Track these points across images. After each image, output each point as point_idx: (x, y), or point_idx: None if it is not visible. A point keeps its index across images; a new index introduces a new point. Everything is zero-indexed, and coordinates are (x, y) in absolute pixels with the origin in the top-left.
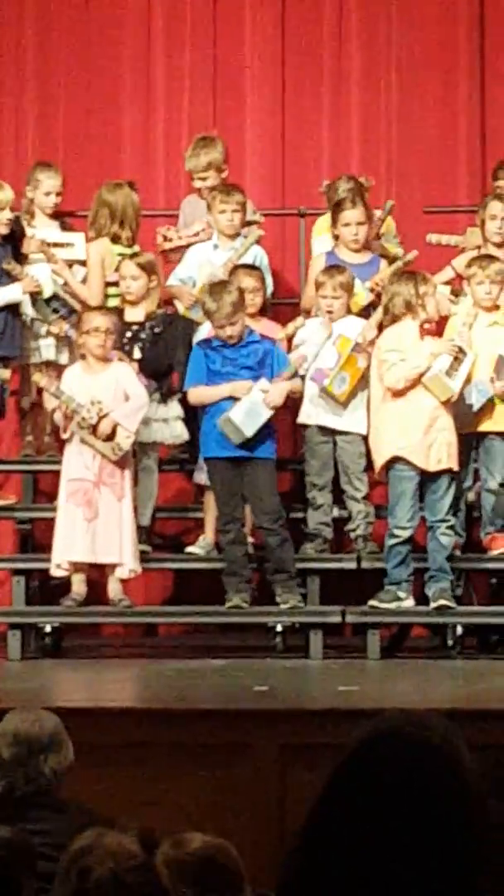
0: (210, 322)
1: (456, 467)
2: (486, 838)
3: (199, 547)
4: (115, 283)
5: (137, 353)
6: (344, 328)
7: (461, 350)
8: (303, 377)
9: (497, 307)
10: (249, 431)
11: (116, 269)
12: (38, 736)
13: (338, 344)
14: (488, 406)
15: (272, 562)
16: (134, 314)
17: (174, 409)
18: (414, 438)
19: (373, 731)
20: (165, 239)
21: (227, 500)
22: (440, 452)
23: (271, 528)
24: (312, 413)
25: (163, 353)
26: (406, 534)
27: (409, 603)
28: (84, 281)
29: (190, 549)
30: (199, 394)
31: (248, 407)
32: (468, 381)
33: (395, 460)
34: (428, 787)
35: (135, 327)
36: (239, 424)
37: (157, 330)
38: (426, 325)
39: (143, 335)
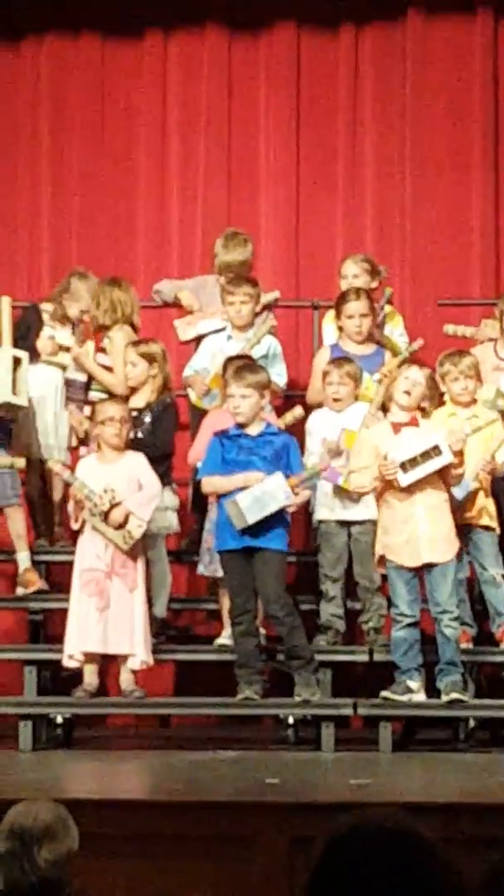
0: (226, 398)
1: (441, 559)
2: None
3: (227, 637)
4: None
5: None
6: (348, 420)
7: (437, 448)
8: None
9: (474, 401)
10: (251, 519)
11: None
12: (31, 827)
13: (342, 439)
14: (471, 499)
15: (286, 650)
16: (135, 400)
17: (167, 499)
18: (391, 537)
19: (333, 834)
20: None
21: (240, 591)
22: (419, 548)
23: (277, 616)
24: (330, 508)
25: (160, 440)
26: (406, 620)
27: (421, 696)
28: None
29: (219, 640)
30: (212, 483)
31: (258, 496)
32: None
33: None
34: (392, 864)
35: (134, 413)
36: (244, 510)
37: (151, 418)
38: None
39: (145, 419)
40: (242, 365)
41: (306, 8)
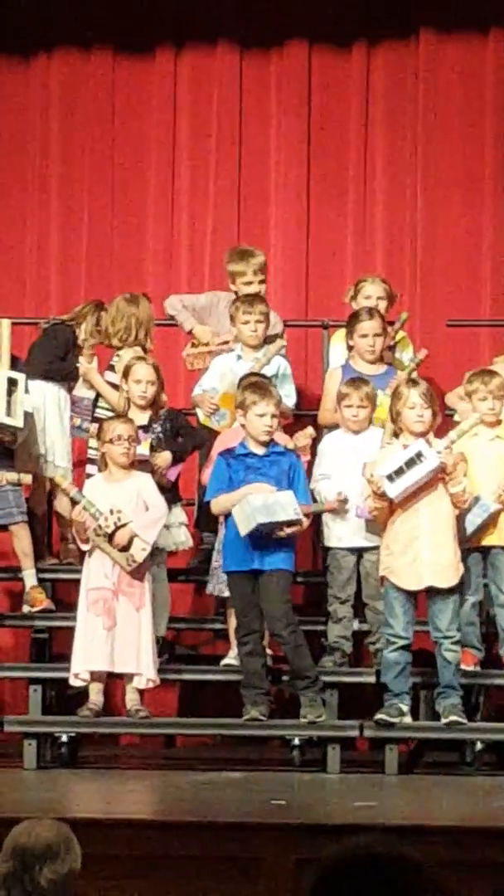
0: (239, 418)
1: (446, 584)
2: None
3: (233, 658)
4: None
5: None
6: (364, 443)
7: (420, 454)
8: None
9: (499, 422)
10: (260, 519)
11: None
12: (32, 847)
13: (365, 472)
14: (492, 520)
15: (292, 670)
16: (140, 418)
17: (177, 515)
18: (395, 559)
19: (326, 860)
20: (194, 345)
21: (246, 612)
22: (422, 571)
23: (282, 634)
24: (342, 535)
25: (191, 437)
26: (401, 642)
27: (408, 718)
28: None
29: (225, 661)
30: (220, 503)
31: (270, 503)
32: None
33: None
34: (383, 889)
35: (140, 430)
36: (254, 510)
37: (161, 428)
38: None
39: (156, 430)
40: (267, 383)
41: (318, 27)
